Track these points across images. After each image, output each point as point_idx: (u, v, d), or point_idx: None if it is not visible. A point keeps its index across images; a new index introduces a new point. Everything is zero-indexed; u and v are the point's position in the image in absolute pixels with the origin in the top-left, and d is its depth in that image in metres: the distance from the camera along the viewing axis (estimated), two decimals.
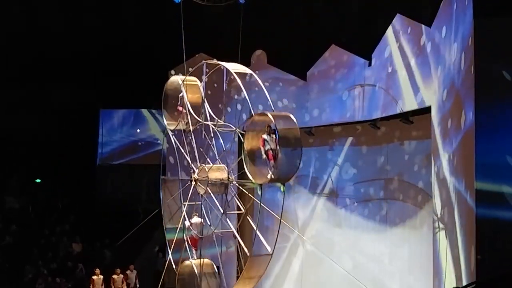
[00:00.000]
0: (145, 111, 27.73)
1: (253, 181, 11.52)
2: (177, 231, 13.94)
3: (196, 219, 13.81)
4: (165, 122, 14.61)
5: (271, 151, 11.06)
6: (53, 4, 23.72)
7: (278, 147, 10.91)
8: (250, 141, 11.62)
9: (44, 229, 23.38)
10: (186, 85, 13.84)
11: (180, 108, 14.08)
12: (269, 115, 11.18)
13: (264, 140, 11.16)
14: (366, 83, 15.56)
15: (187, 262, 13.82)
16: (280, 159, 10.89)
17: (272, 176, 11.08)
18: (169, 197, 14.54)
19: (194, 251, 13.87)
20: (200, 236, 13.62)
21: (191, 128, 13.69)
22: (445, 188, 11.90)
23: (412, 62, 13.77)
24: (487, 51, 9.79)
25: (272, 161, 11.06)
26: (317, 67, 17.28)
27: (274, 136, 11.05)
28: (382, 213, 16.03)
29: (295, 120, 11.31)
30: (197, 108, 13.82)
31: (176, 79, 14.55)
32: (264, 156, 11.16)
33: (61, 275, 20.17)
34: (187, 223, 13.82)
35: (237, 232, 12.62)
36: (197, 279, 13.33)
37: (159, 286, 14.29)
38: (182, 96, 13.96)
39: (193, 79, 14.15)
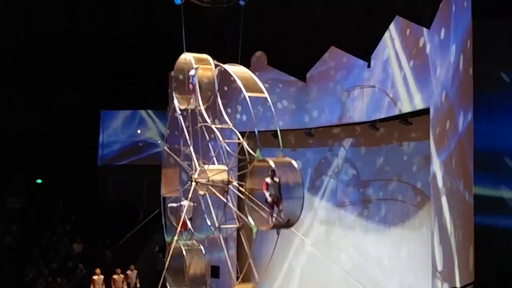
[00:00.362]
0: (145, 112, 27.79)
1: (252, 224, 11.54)
2: (177, 234, 13.94)
3: (185, 202, 13.87)
4: (175, 100, 14.19)
5: (274, 197, 11.06)
6: (54, 7, 23.81)
7: (280, 195, 10.94)
8: (251, 184, 11.61)
9: (45, 229, 23.43)
10: (197, 61, 13.54)
11: (191, 86, 13.70)
12: (271, 162, 11.12)
13: (268, 184, 11.15)
14: (365, 84, 15.62)
15: (175, 244, 13.97)
16: (282, 207, 10.93)
17: (274, 223, 11.09)
18: (170, 164, 14.56)
19: (183, 232, 13.97)
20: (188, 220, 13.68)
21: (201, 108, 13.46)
22: (444, 188, 11.97)
23: (411, 63, 13.83)
24: (485, 53, 9.84)
25: (274, 207, 11.06)
26: (316, 69, 17.32)
27: (277, 181, 11.03)
28: (381, 214, 16.08)
29: (297, 166, 11.29)
30: (209, 86, 13.54)
31: (188, 56, 13.96)
32: (269, 199, 11.14)
33: (62, 275, 20.23)
34: (173, 204, 14.04)
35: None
36: (185, 260, 13.43)
37: (160, 286, 14.34)
38: (194, 74, 13.54)
39: (204, 57, 13.79)
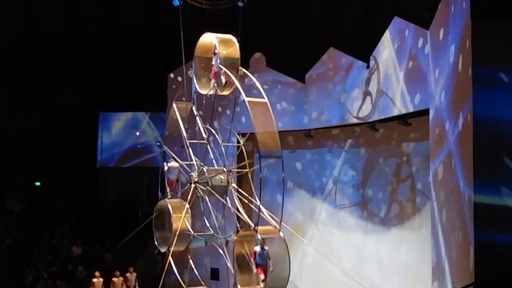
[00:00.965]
0: (144, 115, 27.71)
1: None
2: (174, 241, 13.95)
3: (173, 164, 14.11)
4: (196, 85, 13.58)
5: (262, 267, 11.17)
6: (54, 7, 23.76)
7: (268, 264, 11.05)
8: (239, 248, 11.71)
9: (44, 232, 23.37)
10: (220, 43, 12.83)
11: (214, 70, 12.93)
12: (258, 236, 11.20)
13: (256, 253, 11.25)
14: (364, 85, 15.61)
15: (162, 202, 14.22)
16: (269, 278, 11.08)
17: None
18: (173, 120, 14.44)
19: (169, 192, 14.28)
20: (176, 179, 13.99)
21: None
22: (443, 189, 11.94)
23: (410, 64, 13.81)
24: (484, 53, 9.80)
25: (262, 275, 11.16)
26: (315, 70, 17.31)
27: (265, 251, 11.11)
28: (381, 215, 16.07)
29: (282, 235, 11.42)
30: (235, 67, 12.86)
31: (210, 37, 13.22)
32: (255, 270, 11.28)
33: (61, 278, 20.18)
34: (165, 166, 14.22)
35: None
36: (170, 215, 13.59)
37: None
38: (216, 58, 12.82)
39: (228, 38, 13.08)
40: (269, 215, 11.79)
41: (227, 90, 13.06)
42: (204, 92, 13.43)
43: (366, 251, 16.32)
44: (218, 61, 12.77)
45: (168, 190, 14.35)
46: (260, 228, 11.41)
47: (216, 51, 12.90)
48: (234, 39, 13.12)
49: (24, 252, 21.68)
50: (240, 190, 12.95)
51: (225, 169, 13.02)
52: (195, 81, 13.59)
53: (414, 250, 14.85)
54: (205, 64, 13.39)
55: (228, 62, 12.77)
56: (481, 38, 9.86)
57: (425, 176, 13.97)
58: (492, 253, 9.43)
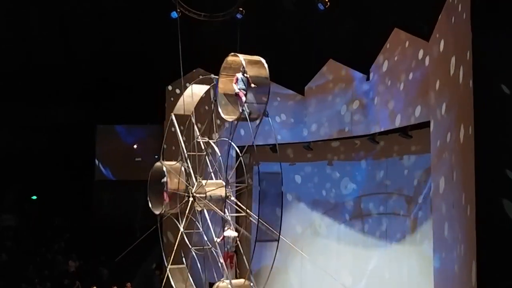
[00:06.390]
0: (141, 128, 27.51)
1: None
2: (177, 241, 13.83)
3: (230, 233, 12.93)
4: (151, 206, 14.57)
5: (242, 91, 12.23)
6: (49, 20, 23.70)
7: (248, 87, 12.13)
8: (224, 86, 12.68)
9: (40, 247, 23.19)
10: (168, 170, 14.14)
11: (165, 196, 14.16)
12: (242, 58, 12.27)
13: (237, 79, 12.32)
14: (364, 97, 15.52)
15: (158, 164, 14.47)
16: (249, 97, 12.21)
17: (244, 111, 12.11)
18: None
19: (228, 269, 12.83)
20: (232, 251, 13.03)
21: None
22: (445, 202, 11.81)
23: (410, 76, 13.73)
24: (485, 64, 9.71)
25: (243, 98, 12.20)
26: (315, 82, 17.23)
27: (246, 76, 12.23)
28: (382, 229, 15.93)
29: (266, 64, 12.35)
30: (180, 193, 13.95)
31: (159, 165, 14.55)
32: (237, 90, 12.25)
33: None
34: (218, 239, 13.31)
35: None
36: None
37: None
38: (166, 182, 14.09)
39: (172, 164, 14.36)
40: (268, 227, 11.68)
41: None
42: (157, 212, 14.43)
43: (367, 265, 16.16)
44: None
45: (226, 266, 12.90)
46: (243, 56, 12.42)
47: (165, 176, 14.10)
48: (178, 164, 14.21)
49: (20, 267, 21.46)
50: (239, 203, 12.84)
51: (223, 182, 12.95)
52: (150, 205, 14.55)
53: (415, 264, 14.70)
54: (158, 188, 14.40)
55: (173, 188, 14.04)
56: (482, 50, 9.76)
57: (427, 189, 13.84)
58: (495, 267, 9.29)
